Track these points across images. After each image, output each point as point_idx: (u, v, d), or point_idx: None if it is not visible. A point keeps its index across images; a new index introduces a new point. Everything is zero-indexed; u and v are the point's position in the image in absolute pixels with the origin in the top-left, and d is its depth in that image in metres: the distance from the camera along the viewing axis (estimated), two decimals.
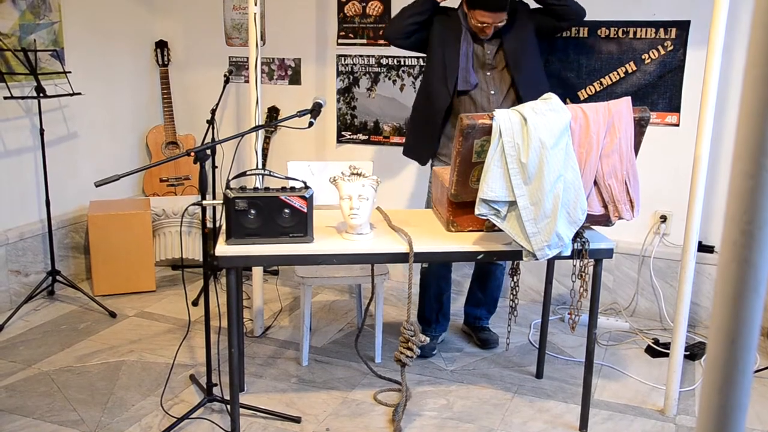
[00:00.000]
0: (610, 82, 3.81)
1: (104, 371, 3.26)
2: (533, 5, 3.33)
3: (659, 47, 3.69)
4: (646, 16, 3.68)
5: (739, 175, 0.57)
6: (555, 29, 3.42)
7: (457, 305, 3.92)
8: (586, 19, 3.77)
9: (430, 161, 3.41)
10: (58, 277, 4.01)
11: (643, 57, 3.73)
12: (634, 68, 3.75)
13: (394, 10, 4.18)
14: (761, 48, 0.56)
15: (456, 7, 3.30)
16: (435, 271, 3.46)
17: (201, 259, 4.34)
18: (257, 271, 3.72)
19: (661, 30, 3.67)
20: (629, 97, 2.52)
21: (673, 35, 3.65)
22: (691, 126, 3.28)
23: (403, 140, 4.44)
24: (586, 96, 3.87)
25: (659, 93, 3.73)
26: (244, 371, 3.19)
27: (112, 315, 3.87)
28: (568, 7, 3.24)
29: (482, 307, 3.66)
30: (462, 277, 4.28)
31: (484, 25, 3.12)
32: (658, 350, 3.51)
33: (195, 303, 4.04)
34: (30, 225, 4.06)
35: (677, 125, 3.74)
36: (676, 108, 3.72)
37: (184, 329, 3.65)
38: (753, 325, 0.60)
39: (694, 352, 3.43)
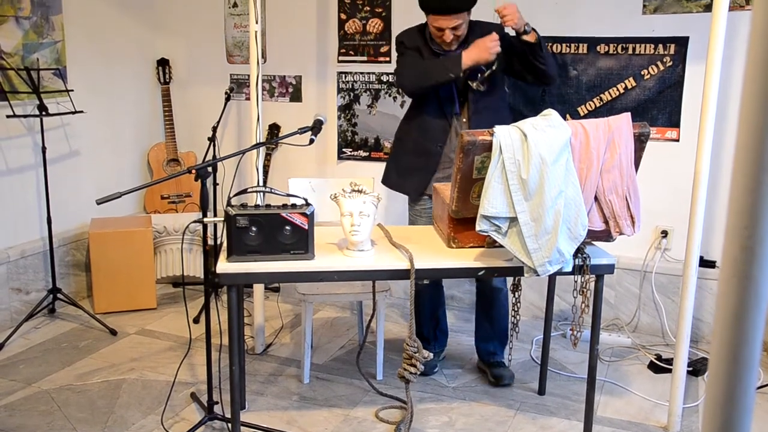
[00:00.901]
0: (609, 98, 3.83)
1: (105, 389, 3.25)
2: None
3: (658, 63, 3.70)
4: (645, 33, 3.70)
5: (739, 191, 0.57)
6: (519, 76, 3.24)
7: (463, 335, 3.91)
8: (586, 35, 3.80)
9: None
10: (59, 295, 4.01)
11: (642, 73, 3.74)
12: (634, 84, 3.77)
13: (394, 27, 4.21)
14: (759, 63, 0.56)
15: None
16: (426, 289, 3.42)
17: (202, 277, 4.34)
18: (258, 288, 3.71)
19: (660, 46, 3.68)
20: (629, 113, 2.53)
21: (672, 51, 3.67)
22: (692, 141, 3.28)
23: None
24: (586, 112, 3.88)
25: (659, 108, 3.74)
26: (245, 389, 3.18)
27: (113, 333, 3.86)
28: (547, 69, 3.07)
29: (493, 340, 3.45)
30: (463, 293, 4.28)
31: (441, 31, 3.01)
32: (660, 366, 3.49)
33: (196, 320, 4.03)
34: (31, 243, 4.06)
35: (677, 140, 3.74)
36: (675, 123, 3.73)
37: (185, 347, 3.64)
38: (755, 342, 0.60)
39: (697, 368, 3.41)
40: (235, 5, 4.67)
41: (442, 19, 2.98)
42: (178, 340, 3.81)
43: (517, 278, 3.03)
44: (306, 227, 2.51)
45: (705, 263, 3.63)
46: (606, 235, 2.58)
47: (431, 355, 2.68)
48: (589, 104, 3.87)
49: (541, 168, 2.35)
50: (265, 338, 3.76)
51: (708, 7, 3.51)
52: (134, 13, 4.71)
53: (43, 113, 3.80)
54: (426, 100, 3.20)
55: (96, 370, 3.44)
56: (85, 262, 4.37)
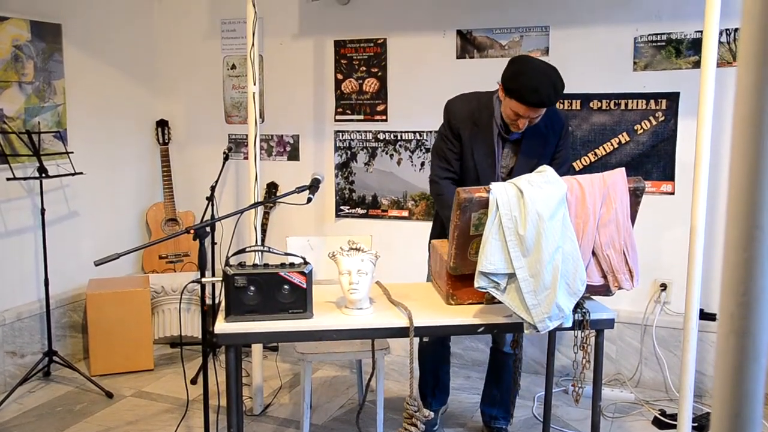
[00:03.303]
0: (604, 153, 3.87)
1: None
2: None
3: (651, 118, 3.76)
4: (637, 89, 3.77)
5: (732, 248, 0.58)
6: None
7: (464, 393, 3.86)
8: (579, 91, 3.87)
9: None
10: (54, 358, 3.96)
11: (635, 128, 3.80)
12: (628, 139, 3.81)
13: (390, 86, 4.29)
14: (746, 120, 0.57)
15: (492, 91, 2.97)
16: (429, 345, 3.39)
17: (200, 337, 4.30)
18: (257, 348, 3.68)
19: (652, 101, 3.75)
20: (623, 168, 2.55)
21: (663, 106, 3.73)
22: (687, 194, 3.31)
23: (402, 214, 4.47)
24: (581, 167, 3.92)
25: (653, 162, 3.78)
26: None
27: (109, 395, 3.80)
28: None
29: (497, 406, 3.36)
30: (464, 350, 4.24)
31: (517, 117, 2.77)
32: (665, 422, 3.44)
33: (194, 381, 3.98)
34: (28, 305, 4.03)
35: (672, 194, 3.77)
36: (670, 177, 3.77)
37: (183, 409, 3.59)
38: (756, 397, 0.59)
39: (702, 424, 3.36)
40: (233, 67, 4.76)
41: (524, 109, 2.73)
42: (175, 402, 3.75)
43: (517, 334, 3.01)
44: (304, 286, 2.50)
45: (705, 316, 3.61)
46: (605, 290, 2.58)
47: (432, 414, 2.63)
48: (584, 159, 3.91)
49: (538, 224, 2.36)
50: (263, 398, 3.70)
51: (697, 64, 3.59)
52: (134, 76, 4.80)
53: (43, 175, 3.83)
54: (464, 182, 3.02)
55: None
56: (82, 323, 4.34)
